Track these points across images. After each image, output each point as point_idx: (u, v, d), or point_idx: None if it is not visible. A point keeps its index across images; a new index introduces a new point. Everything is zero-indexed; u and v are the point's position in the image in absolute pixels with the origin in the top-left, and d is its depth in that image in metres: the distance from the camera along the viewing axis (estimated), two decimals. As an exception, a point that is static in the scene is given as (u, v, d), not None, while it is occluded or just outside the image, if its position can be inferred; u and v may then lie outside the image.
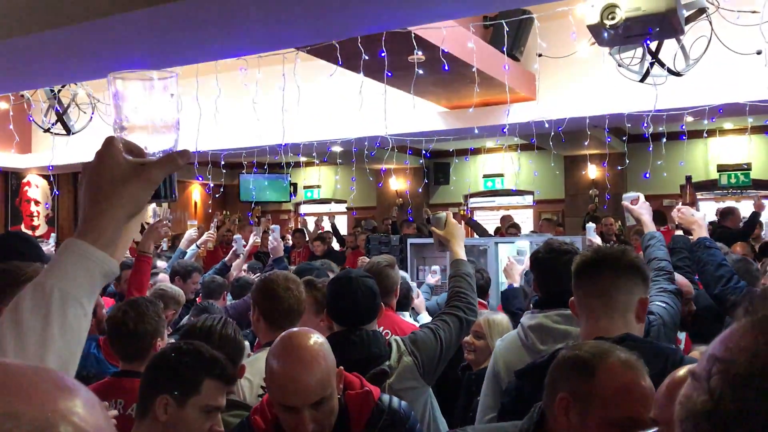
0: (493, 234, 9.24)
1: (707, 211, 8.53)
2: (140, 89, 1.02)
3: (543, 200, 12.33)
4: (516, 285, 4.31)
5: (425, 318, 4.07)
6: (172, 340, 2.67)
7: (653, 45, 4.90)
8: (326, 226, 10.56)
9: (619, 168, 9.43)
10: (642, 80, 5.10)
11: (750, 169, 10.77)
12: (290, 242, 10.07)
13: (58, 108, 7.16)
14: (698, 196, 10.35)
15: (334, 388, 1.77)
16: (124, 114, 1.02)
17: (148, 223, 5.35)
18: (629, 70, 5.11)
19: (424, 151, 10.84)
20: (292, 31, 4.36)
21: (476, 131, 8.12)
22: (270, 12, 3.91)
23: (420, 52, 5.71)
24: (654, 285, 2.55)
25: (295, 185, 13.56)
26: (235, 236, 6.49)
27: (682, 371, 1.32)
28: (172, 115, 1.04)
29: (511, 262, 4.10)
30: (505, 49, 6.63)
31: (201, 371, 1.86)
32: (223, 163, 9.38)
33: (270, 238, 4.89)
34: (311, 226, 10.99)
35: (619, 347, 1.53)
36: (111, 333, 2.65)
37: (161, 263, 5.85)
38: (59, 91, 7.08)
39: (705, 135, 9.02)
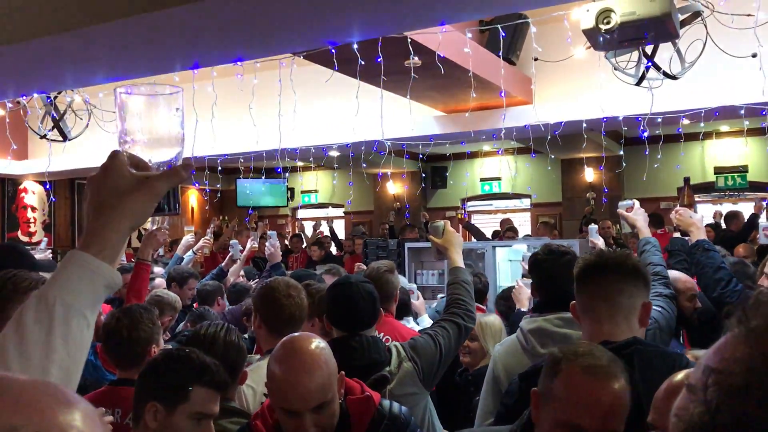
0: (490, 237, 9.25)
1: (704, 213, 8.54)
2: (145, 104, 1.03)
3: (540, 203, 12.32)
4: (524, 309, 4.17)
5: (426, 320, 4.06)
6: (169, 347, 2.66)
7: (649, 48, 4.91)
8: (325, 230, 10.53)
9: (616, 171, 9.44)
10: (638, 84, 5.12)
11: (747, 172, 10.79)
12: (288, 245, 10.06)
13: (55, 114, 7.16)
14: (696, 199, 10.36)
15: (336, 392, 1.78)
16: (130, 127, 1.03)
17: (145, 229, 5.34)
18: (625, 73, 5.12)
19: (421, 155, 10.86)
20: (289, 37, 4.36)
21: (473, 135, 8.12)
22: (266, 18, 3.91)
23: (416, 57, 5.72)
24: (650, 290, 2.56)
25: (292, 190, 13.54)
26: (231, 241, 6.47)
27: (679, 375, 1.32)
28: (176, 129, 1.05)
29: (520, 285, 3.98)
30: (501, 54, 6.64)
31: (189, 378, 1.84)
32: (220, 168, 9.35)
33: (267, 244, 4.84)
34: (309, 231, 10.95)
35: (599, 351, 1.52)
36: (105, 341, 2.64)
37: (158, 269, 5.83)
38: (55, 97, 7.07)
39: (701, 138, 9.04)
